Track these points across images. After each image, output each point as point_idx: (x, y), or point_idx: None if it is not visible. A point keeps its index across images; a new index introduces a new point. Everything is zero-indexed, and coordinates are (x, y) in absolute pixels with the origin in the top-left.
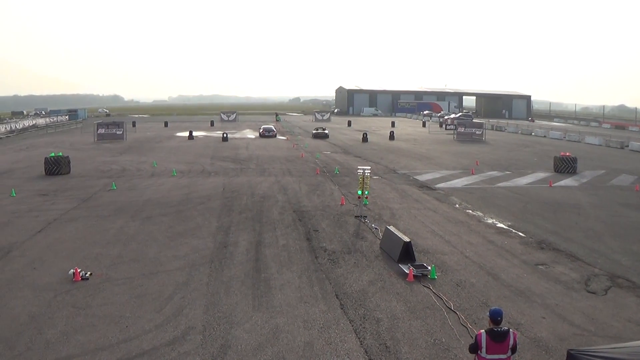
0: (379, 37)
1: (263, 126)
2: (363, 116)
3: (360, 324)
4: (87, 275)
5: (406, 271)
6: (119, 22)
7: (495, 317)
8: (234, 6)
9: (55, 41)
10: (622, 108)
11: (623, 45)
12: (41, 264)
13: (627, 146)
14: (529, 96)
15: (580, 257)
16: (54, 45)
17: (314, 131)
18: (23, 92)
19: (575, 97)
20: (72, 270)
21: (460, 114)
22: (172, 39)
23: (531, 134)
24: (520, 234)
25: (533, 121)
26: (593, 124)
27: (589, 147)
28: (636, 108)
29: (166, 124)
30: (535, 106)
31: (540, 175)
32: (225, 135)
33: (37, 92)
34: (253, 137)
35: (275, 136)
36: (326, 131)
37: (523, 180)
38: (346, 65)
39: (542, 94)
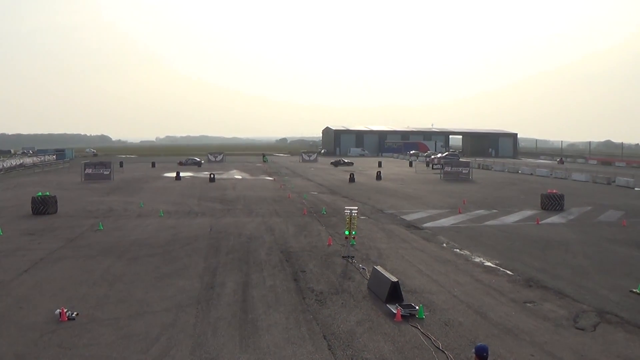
0: (365, 78)
1: (188, 158)
2: (350, 156)
3: None
4: (73, 315)
5: (394, 311)
6: (106, 60)
7: (481, 352)
8: (219, 47)
9: (42, 79)
10: (608, 143)
11: (608, 80)
12: (27, 304)
13: (614, 182)
14: (515, 134)
15: (569, 294)
16: (41, 84)
17: (333, 161)
18: (10, 130)
19: (562, 134)
20: (58, 310)
21: (447, 153)
22: (159, 78)
23: (518, 172)
24: (508, 272)
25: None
26: (580, 160)
27: (576, 183)
28: (622, 143)
29: (153, 165)
30: (521, 144)
31: (528, 213)
32: (212, 175)
33: (25, 131)
34: (240, 177)
35: (200, 165)
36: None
37: (510, 219)
38: (333, 105)
39: (529, 132)
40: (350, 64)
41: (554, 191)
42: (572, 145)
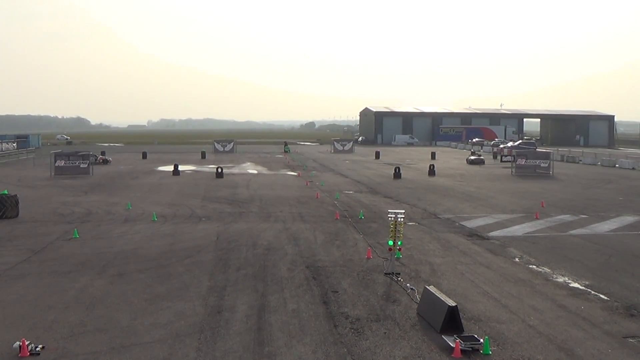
0: (413, 44)
1: None
2: (395, 146)
3: None
4: (37, 349)
5: (451, 344)
6: (85, 24)
7: None
8: (230, 9)
9: None
10: None
11: None
12: None
13: None
14: (612, 116)
15: None
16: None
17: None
18: None
19: None
20: (18, 342)
21: (520, 141)
22: (153, 47)
23: (615, 166)
24: (602, 296)
25: None
26: None
27: None
28: None
29: (144, 155)
30: (620, 129)
31: (628, 219)
32: (219, 170)
33: None
34: (255, 172)
35: None
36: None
37: (604, 227)
38: (373, 81)
39: (629, 114)
40: (393, 28)
41: None
42: None
